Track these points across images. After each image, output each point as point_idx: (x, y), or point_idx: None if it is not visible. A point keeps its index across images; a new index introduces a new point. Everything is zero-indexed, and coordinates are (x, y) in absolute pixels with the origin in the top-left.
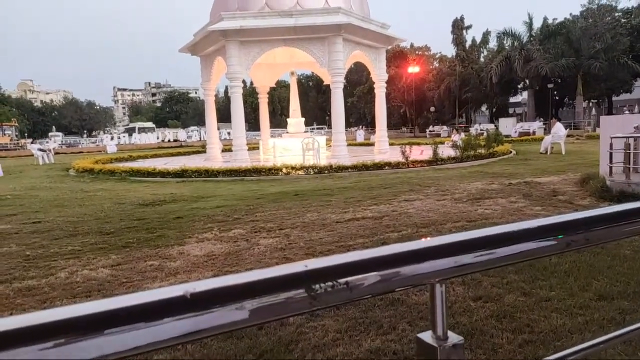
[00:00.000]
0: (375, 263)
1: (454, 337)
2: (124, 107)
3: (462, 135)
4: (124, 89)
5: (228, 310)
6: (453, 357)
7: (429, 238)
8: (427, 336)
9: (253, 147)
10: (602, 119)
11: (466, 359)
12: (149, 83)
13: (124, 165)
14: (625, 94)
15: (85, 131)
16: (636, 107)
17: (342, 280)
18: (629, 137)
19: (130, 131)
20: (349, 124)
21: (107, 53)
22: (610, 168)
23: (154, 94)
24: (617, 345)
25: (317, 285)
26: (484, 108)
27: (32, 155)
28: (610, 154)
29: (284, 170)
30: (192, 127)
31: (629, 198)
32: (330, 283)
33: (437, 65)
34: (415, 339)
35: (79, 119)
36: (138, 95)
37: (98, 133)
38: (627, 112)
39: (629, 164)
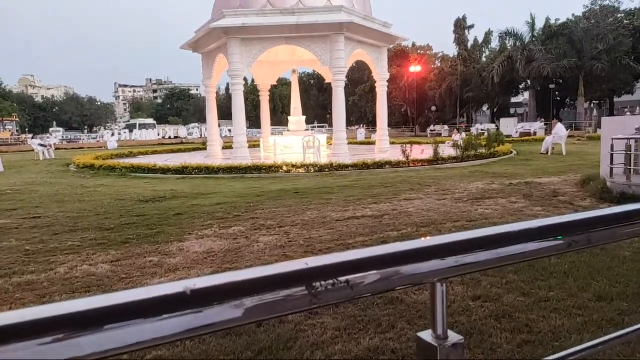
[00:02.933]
0: (375, 261)
1: (454, 336)
2: (124, 103)
3: (463, 134)
4: (125, 85)
5: (228, 307)
6: (453, 356)
7: (429, 237)
8: (427, 335)
9: (254, 144)
10: (603, 119)
11: (466, 358)
12: (150, 79)
13: (125, 161)
14: (626, 95)
15: (86, 127)
16: (637, 108)
17: (343, 279)
18: (629, 139)
19: (130, 127)
20: (349, 123)
21: (109, 49)
22: (611, 169)
23: (154, 91)
24: (615, 346)
25: (318, 283)
26: (485, 108)
27: (33, 150)
28: (611, 155)
29: (284, 167)
30: (193, 124)
31: (629, 199)
32: (330, 281)
33: (438, 64)
34: (415, 337)
35: (80, 114)
36: (139, 92)
37: (99, 129)
38: (628, 113)
39: (630, 165)
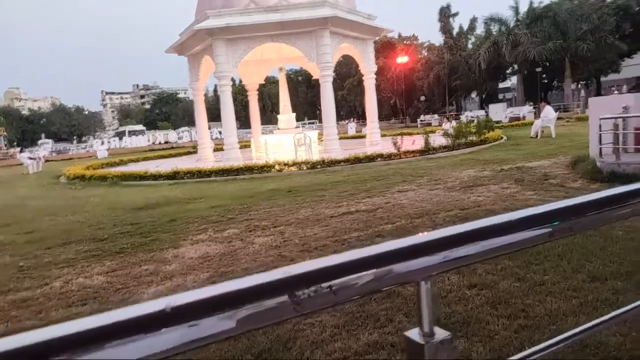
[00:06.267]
0: (357, 265)
1: (441, 333)
2: (113, 111)
3: (453, 123)
4: (112, 93)
5: (210, 322)
6: (440, 353)
7: (412, 236)
8: (414, 334)
9: (245, 145)
10: (590, 100)
11: (454, 353)
12: (137, 85)
13: (116, 170)
14: (613, 74)
15: (75, 137)
16: (624, 87)
17: (326, 285)
18: (617, 118)
19: (120, 135)
20: (340, 117)
21: (93, 57)
22: (600, 149)
23: (142, 96)
24: (611, 326)
25: (301, 292)
26: (473, 95)
27: (22, 164)
28: (600, 135)
29: (277, 167)
30: (183, 128)
31: (619, 178)
32: (313, 288)
33: (425, 54)
34: (403, 337)
35: (68, 125)
36: (127, 98)
37: (88, 138)
38: (615, 92)
39: (619, 145)
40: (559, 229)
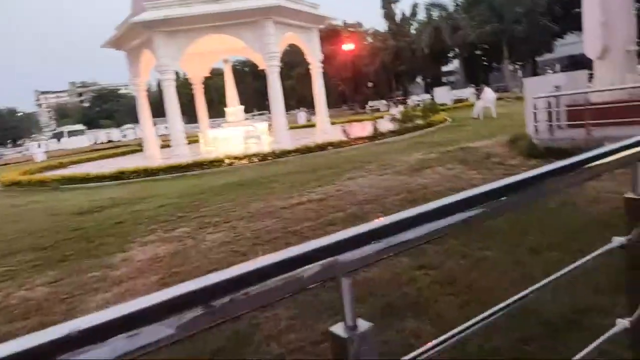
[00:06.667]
0: (274, 268)
1: (363, 325)
2: (49, 111)
3: (401, 107)
4: (48, 92)
5: (123, 341)
6: (363, 344)
7: (327, 236)
8: (338, 328)
9: (193, 140)
10: (524, 80)
11: (376, 344)
12: (74, 83)
13: (55, 174)
14: (547, 54)
15: (9, 141)
16: (557, 65)
17: (242, 291)
18: (549, 97)
19: (58, 136)
20: (289, 107)
21: (24, 54)
22: (536, 127)
23: (80, 94)
24: (546, 294)
25: (216, 301)
26: (419, 79)
27: None
28: (535, 113)
29: (227, 161)
30: (127, 125)
31: (554, 153)
32: (229, 297)
33: (370, 40)
34: (328, 332)
35: (1, 128)
36: (63, 97)
37: (24, 141)
38: (549, 71)
39: (552, 122)
40: (490, 209)
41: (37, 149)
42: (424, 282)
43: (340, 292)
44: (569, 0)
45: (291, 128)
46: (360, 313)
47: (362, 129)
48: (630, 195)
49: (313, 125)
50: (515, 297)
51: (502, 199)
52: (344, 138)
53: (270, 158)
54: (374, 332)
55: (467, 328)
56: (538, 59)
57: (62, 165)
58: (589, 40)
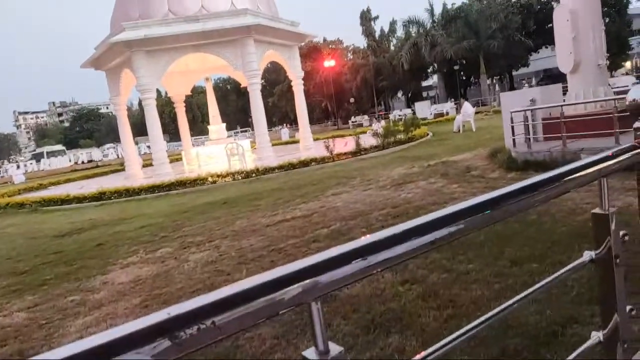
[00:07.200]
0: (242, 297)
1: (334, 349)
2: (28, 132)
3: (382, 122)
4: (26, 112)
5: None
6: None
7: (295, 262)
8: (310, 353)
9: (176, 158)
10: (501, 95)
11: None
12: (54, 103)
13: (35, 196)
14: (523, 68)
15: None
16: (533, 79)
17: (209, 321)
18: (526, 110)
19: (38, 157)
20: (272, 124)
21: (1, 76)
22: (514, 140)
23: (60, 114)
24: (527, 306)
25: (182, 332)
26: (400, 94)
27: None
28: (512, 127)
29: (210, 179)
30: (108, 145)
31: (532, 166)
32: (195, 327)
33: (351, 57)
34: (300, 357)
35: None
36: (43, 117)
37: (2, 163)
38: (526, 85)
39: (529, 135)
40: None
41: (16, 170)
42: (408, 297)
43: (311, 317)
44: (542, 16)
45: (274, 145)
46: (345, 331)
47: (345, 144)
48: (597, 211)
49: (296, 142)
50: (495, 310)
51: (483, 213)
52: (327, 154)
53: (253, 175)
54: (345, 355)
55: (450, 342)
56: (515, 73)
57: (42, 187)
58: (561, 55)
